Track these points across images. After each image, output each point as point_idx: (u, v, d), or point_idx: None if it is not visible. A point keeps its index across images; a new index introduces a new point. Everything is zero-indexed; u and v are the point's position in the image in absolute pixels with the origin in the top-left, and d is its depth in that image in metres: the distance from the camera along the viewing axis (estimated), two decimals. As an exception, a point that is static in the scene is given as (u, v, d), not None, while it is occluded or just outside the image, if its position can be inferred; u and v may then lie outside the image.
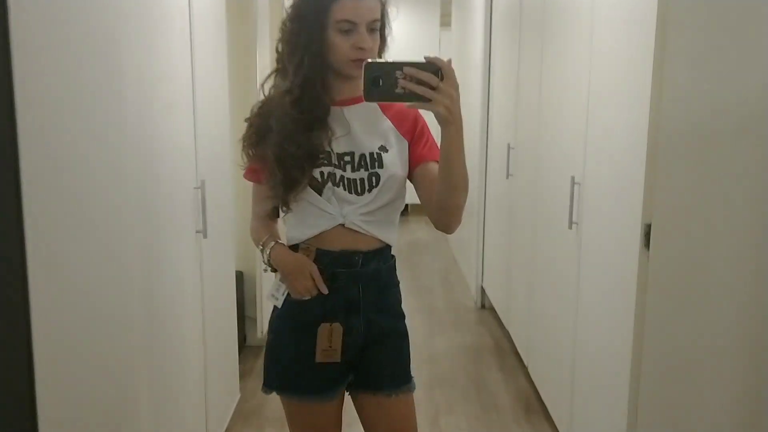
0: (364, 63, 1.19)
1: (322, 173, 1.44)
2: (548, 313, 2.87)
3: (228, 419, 2.76)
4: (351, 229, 1.47)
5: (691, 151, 1.68)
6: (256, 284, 3.53)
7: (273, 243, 1.53)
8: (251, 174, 1.57)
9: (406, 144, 1.52)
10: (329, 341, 1.48)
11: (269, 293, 1.57)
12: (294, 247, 1.53)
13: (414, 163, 1.51)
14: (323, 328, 1.49)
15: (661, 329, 1.77)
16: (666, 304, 1.76)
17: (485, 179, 4.67)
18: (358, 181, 1.46)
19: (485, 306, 4.60)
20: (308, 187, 1.43)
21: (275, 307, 1.57)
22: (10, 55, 0.99)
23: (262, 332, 3.57)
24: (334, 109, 1.45)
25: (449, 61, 1.18)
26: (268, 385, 1.56)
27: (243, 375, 3.17)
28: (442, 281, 5.35)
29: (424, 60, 1.17)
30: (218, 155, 2.48)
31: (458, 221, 1.43)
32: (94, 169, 1.34)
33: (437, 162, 1.39)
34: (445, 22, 7.65)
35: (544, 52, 2.98)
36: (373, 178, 1.46)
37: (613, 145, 2.04)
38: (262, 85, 1.52)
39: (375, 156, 1.46)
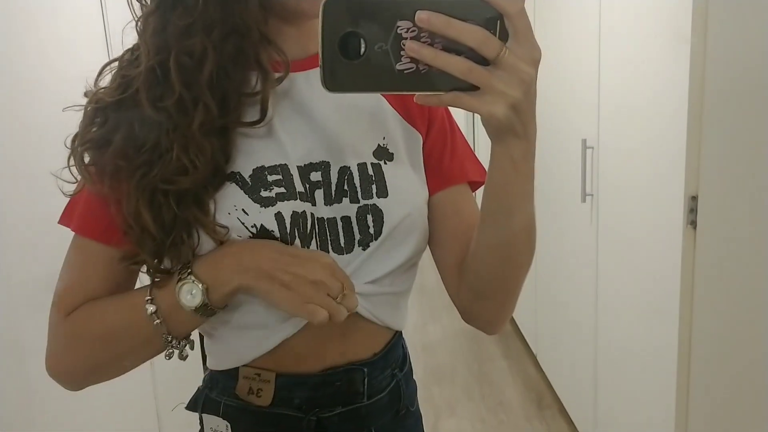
0: (324, 0, 0.50)
1: (280, 217, 0.69)
2: (559, 295, 2.53)
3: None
4: (339, 326, 0.71)
5: (750, 103, 1.29)
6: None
7: (184, 269, 0.68)
8: (93, 222, 0.72)
9: (420, 142, 0.79)
10: None
11: None
12: (227, 376, 0.78)
13: (430, 187, 0.80)
14: None
15: (715, 317, 1.46)
16: (720, 291, 1.42)
17: (474, 142, 4.29)
18: (340, 225, 0.73)
19: (480, 283, 4.26)
20: None
21: None
22: None
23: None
24: (282, 81, 0.72)
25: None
26: None
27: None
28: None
29: None
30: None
31: (508, 313, 0.78)
32: None
33: (473, 185, 0.82)
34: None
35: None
36: (369, 218, 0.73)
37: (637, 99, 1.66)
38: (138, 26, 0.69)
39: (370, 170, 0.74)
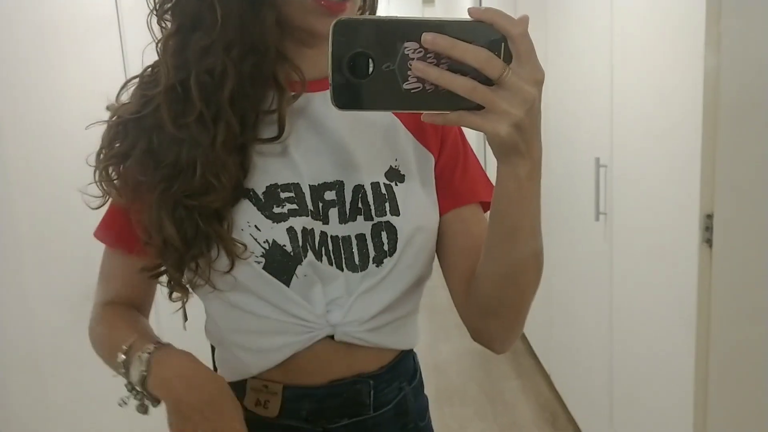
0: (333, 22, 0.53)
1: (292, 232, 0.72)
2: (573, 314, 2.52)
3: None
4: (347, 342, 0.77)
5: (766, 121, 1.30)
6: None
7: (152, 347, 0.72)
8: (113, 232, 0.79)
9: (432, 163, 0.81)
10: None
11: None
12: (236, 387, 0.77)
13: (441, 207, 0.81)
14: None
15: (732, 337, 1.45)
16: (737, 310, 1.42)
17: (485, 162, 4.30)
18: (354, 243, 0.75)
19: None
20: (260, 272, 0.72)
21: None
22: None
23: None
24: (297, 99, 0.74)
25: (524, 21, 0.54)
26: None
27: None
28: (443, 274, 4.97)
29: (468, 18, 0.53)
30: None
31: (517, 333, 0.77)
32: None
33: (484, 206, 0.82)
34: (428, -1, 7.25)
35: (549, 8, 2.59)
36: (383, 235, 0.75)
37: (651, 117, 1.67)
38: (158, 47, 0.71)
39: (382, 189, 0.76)
